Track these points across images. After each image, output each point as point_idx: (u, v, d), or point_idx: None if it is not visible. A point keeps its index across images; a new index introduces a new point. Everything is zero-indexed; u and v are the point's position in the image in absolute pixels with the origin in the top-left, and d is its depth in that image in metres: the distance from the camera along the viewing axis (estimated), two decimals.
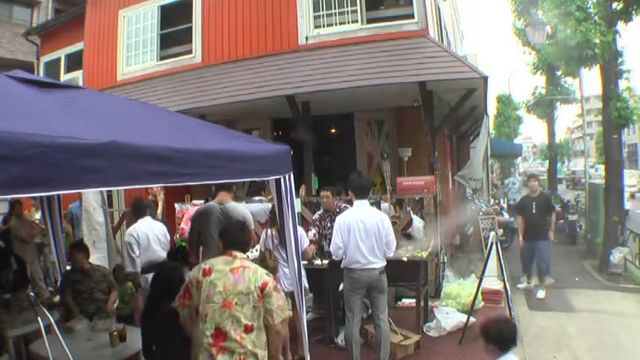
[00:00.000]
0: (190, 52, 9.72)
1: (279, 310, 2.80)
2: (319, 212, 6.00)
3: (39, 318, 3.52)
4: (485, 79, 6.94)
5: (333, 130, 10.18)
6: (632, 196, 21.57)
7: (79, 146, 1.97)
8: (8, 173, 1.73)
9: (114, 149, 2.09)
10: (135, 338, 3.67)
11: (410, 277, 5.51)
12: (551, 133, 18.56)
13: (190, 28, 9.72)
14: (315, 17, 8.61)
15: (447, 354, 5.21)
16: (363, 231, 4.45)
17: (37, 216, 7.79)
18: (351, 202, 4.90)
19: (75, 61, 12.08)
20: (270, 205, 5.55)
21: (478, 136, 11.28)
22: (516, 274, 7.72)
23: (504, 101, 31.58)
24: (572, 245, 11.74)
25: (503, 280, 5.75)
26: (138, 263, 5.05)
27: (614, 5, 8.69)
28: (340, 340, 5.24)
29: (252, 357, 2.74)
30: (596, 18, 8.62)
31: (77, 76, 11.74)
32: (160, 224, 5.50)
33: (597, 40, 8.24)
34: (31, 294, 5.04)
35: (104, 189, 5.00)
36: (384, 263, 4.55)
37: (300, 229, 5.06)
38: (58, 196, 5.13)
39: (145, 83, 9.88)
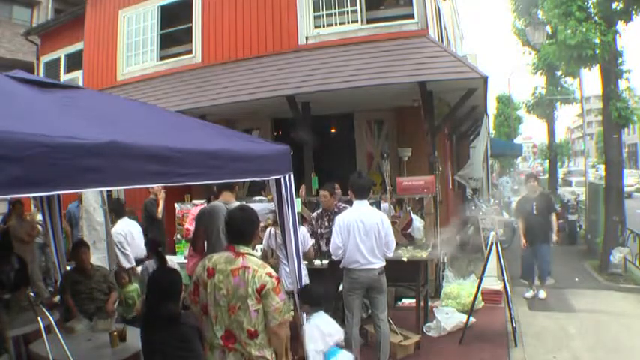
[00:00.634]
0: (190, 52, 9.73)
1: (276, 312, 2.70)
2: (318, 211, 6.02)
3: (39, 318, 3.52)
4: (485, 79, 6.95)
5: (333, 130, 10.19)
6: (629, 195, 21.50)
7: (79, 146, 1.97)
8: (8, 173, 1.73)
9: (114, 149, 2.08)
10: (135, 338, 3.67)
11: (410, 277, 5.51)
12: (551, 133, 18.54)
13: (190, 28, 9.73)
14: (315, 17, 8.63)
15: (447, 354, 5.21)
16: (363, 231, 4.45)
17: (40, 217, 7.79)
18: (351, 203, 4.90)
19: (75, 61, 12.09)
20: (270, 205, 5.57)
21: (478, 136, 11.29)
22: (516, 274, 7.69)
23: (504, 101, 31.59)
24: (572, 245, 11.73)
25: (503, 280, 5.74)
26: (132, 258, 5.52)
27: (614, 5, 8.69)
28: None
29: None
30: (596, 18, 8.61)
31: (77, 76, 11.75)
32: (135, 223, 6.13)
33: (597, 40, 8.23)
34: (31, 294, 5.04)
35: (104, 189, 5.00)
36: (384, 263, 4.54)
37: (303, 230, 5.08)
38: (58, 196, 5.12)
39: (145, 83, 9.89)
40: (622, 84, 9.27)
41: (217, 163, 2.72)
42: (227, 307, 2.71)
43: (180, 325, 3.03)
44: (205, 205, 5.61)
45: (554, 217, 7.39)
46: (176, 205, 7.77)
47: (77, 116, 2.44)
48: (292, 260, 3.65)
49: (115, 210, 6.03)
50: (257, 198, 7.83)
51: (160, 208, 7.31)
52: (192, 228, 5.15)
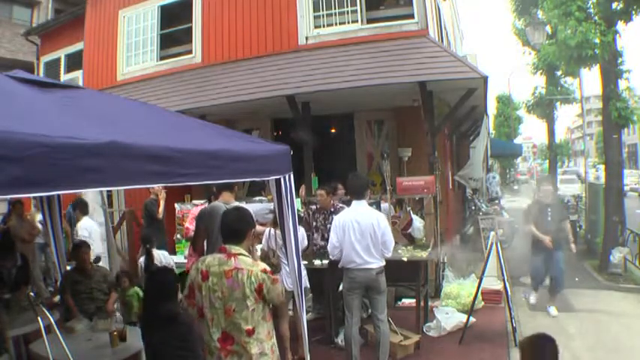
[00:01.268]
0: (190, 52, 9.72)
1: (278, 298, 2.84)
2: (315, 206, 6.06)
3: (39, 318, 3.52)
4: (485, 79, 6.95)
5: (333, 130, 10.19)
6: (624, 194, 21.43)
7: (79, 146, 1.97)
8: (8, 173, 1.73)
9: (114, 149, 2.08)
10: (135, 338, 3.67)
11: (410, 277, 5.51)
12: (551, 133, 18.52)
13: (190, 28, 9.72)
14: (315, 17, 8.62)
15: (447, 354, 5.21)
16: (358, 231, 4.46)
17: (40, 217, 7.80)
18: (350, 203, 4.91)
19: (75, 61, 12.07)
20: (270, 205, 5.58)
21: (478, 136, 11.30)
22: (516, 274, 7.66)
23: (504, 101, 31.64)
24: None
25: (503, 280, 5.74)
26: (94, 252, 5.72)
27: (614, 5, 8.69)
28: (340, 340, 5.24)
29: (261, 357, 2.73)
30: (596, 18, 8.62)
31: (77, 76, 11.74)
32: (96, 223, 6.56)
33: (597, 40, 8.23)
34: (31, 294, 5.04)
35: (104, 189, 5.00)
36: (382, 263, 4.53)
37: (302, 230, 5.08)
38: (58, 196, 5.12)
39: (145, 83, 9.88)
40: (622, 84, 9.28)
41: (217, 163, 2.72)
42: (223, 310, 2.71)
43: (180, 324, 3.02)
44: (206, 205, 5.61)
45: (568, 225, 6.82)
46: (176, 205, 7.77)
47: (77, 116, 2.45)
48: (292, 260, 3.65)
49: (80, 208, 6.61)
50: (257, 198, 7.83)
51: (161, 209, 7.32)
52: (192, 227, 5.16)
